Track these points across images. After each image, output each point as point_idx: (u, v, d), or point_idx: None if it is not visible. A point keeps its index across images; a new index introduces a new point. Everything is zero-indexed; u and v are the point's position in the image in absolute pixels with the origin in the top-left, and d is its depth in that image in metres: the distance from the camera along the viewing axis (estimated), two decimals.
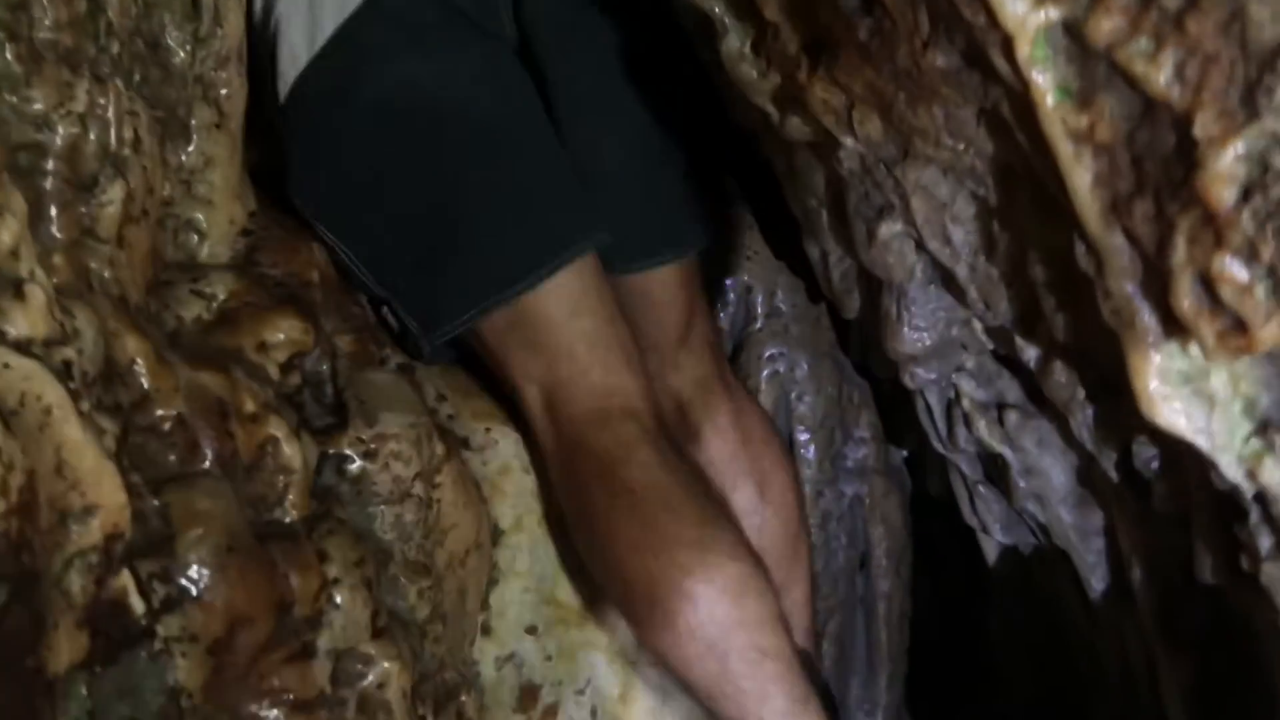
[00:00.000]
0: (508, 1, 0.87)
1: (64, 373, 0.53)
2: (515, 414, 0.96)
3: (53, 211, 0.56)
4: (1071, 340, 0.62)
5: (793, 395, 1.19)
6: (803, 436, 1.19)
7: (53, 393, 0.52)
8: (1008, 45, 0.49)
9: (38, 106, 0.54)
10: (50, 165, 0.55)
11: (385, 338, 0.91)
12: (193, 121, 0.73)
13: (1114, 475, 0.75)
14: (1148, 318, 0.50)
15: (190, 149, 0.73)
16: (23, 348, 0.50)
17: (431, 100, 0.82)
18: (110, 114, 0.58)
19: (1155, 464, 0.68)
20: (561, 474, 0.88)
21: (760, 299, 1.19)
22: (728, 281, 1.19)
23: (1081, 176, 0.50)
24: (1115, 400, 0.69)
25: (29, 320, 0.51)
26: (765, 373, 1.17)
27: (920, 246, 0.70)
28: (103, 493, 0.56)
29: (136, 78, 0.67)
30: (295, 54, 0.83)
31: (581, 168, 0.87)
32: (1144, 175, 0.47)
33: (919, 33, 0.56)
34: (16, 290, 0.50)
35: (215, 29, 0.73)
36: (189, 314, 0.69)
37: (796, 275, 1.16)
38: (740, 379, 1.10)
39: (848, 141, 0.67)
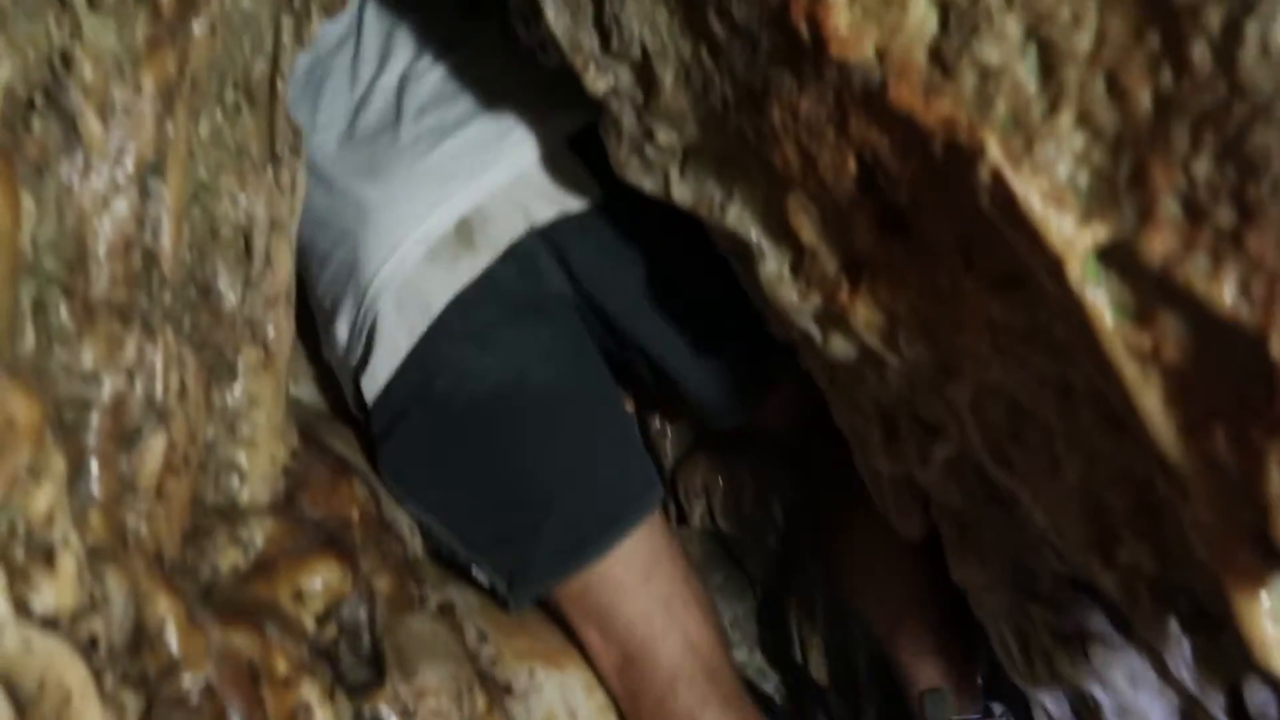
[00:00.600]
0: (558, 267, 0.95)
1: (89, 648, 0.51)
2: (560, 651, 0.92)
3: (93, 467, 0.55)
4: (1159, 572, 0.57)
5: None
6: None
7: (75, 674, 0.49)
8: (1056, 266, 0.48)
9: (87, 362, 0.55)
10: (94, 420, 0.55)
11: (425, 574, 0.89)
12: (239, 362, 0.73)
13: None
14: (1249, 553, 0.46)
15: (236, 390, 0.73)
16: (49, 623, 0.48)
17: (497, 392, 0.91)
18: (158, 365, 0.58)
19: (1273, 709, 0.61)
20: None
21: None
22: None
23: (1151, 399, 0.47)
24: (1218, 632, 0.63)
25: (57, 592, 0.48)
26: None
27: (980, 469, 0.66)
28: None
29: (187, 324, 0.68)
30: (376, 372, 0.92)
31: (656, 362, 1.00)
32: (1220, 397, 0.44)
33: (958, 255, 0.56)
34: (47, 558, 0.48)
35: (266, 272, 0.75)
36: (225, 563, 0.67)
37: None
38: None
39: (894, 361, 0.66)
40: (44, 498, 0.47)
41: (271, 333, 0.76)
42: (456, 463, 0.92)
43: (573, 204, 0.94)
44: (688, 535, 1.27)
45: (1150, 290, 0.46)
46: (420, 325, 0.90)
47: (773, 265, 0.70)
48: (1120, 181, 0.46)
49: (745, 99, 0.62)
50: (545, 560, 0.90)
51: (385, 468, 0.95)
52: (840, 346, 0.70)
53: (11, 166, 0.45)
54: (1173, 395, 0.47)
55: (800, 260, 0.68)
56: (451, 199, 0.90)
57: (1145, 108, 0.44)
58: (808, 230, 0.65)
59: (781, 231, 0.68)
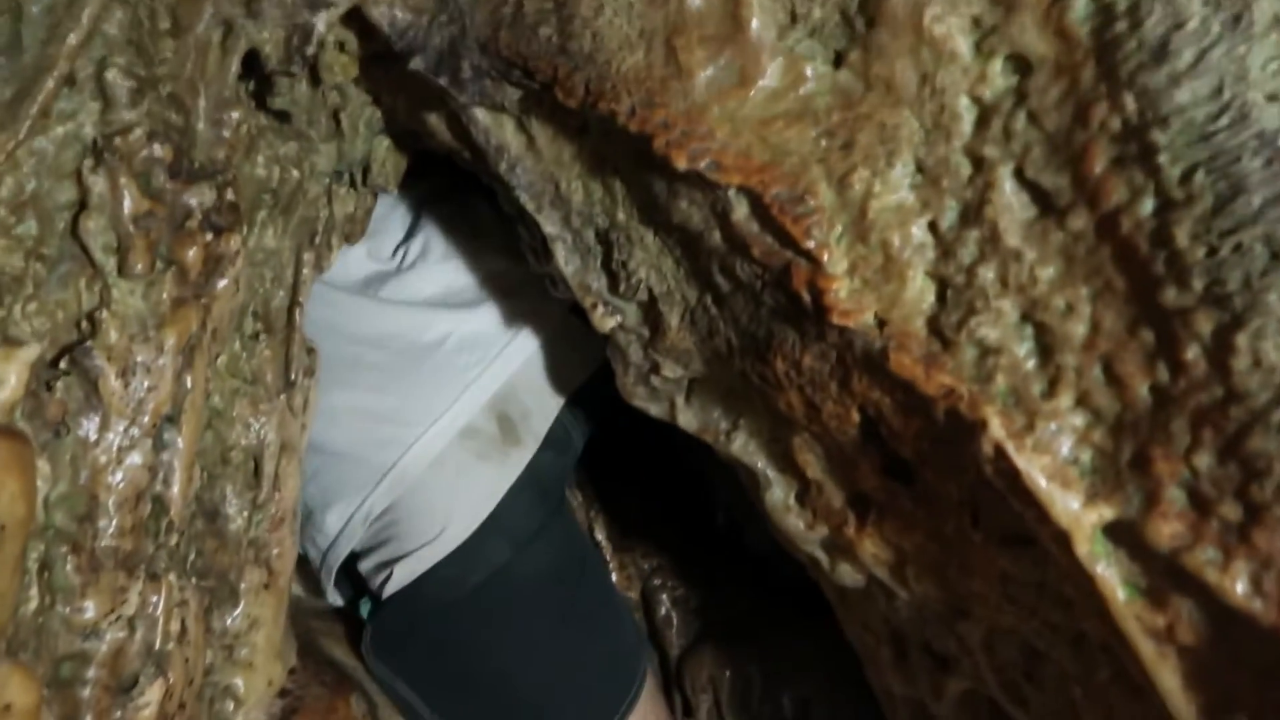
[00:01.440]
0: (580, 433, 0.99)
1: None
2: None
3: None
4: None
5: None
6: None
7: None
8: (1064, 539, 0.48)
9: (89, 614, 0.54)
10: (91, 673, 0.54)
11: None
12: (242, 585, 0.73)
13: None
14: None
15: (236, 613, 0.72)
16: None
17: (492, 578, 0.89)
18: (159, 611, 0.58)
19: None
20: None
21: None
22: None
23: (1168, 678, 0.46)
24: None
25: None
26: None
27: (998, 710, 0.65)
28: None
29: (192, 555, 0.67)
30: (414, 564, 0.90)
31: None
32: (1241, 684, 0.44)
33: (964, 509, 0.56)
34: None
35: (274, 494, 0.75)
36: None
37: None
38: None
39: (903, 594, 0.65)
40: None
41: (275, 552, 0.75)
42: (449, 655, 0.90)
43: (588, 372, 0.96)
44: None
45: (1161, 572, 0.46)
46: (472, 523, 0.89)
47: (779, 494, 0.70)
48: (1123, 465, 0.46)
49: (749, 346, 0.63)
50: None
51: (378, 653, 0.92)
52: (848, 574, 0.70)
53: (30, 449, 0.46)
54: (1191, 677, 0.46)
55: (806, 491, 0.68)
56: (470, 389, 0.91)
57: (1144, 398, 0.45)
58: (813, 467, 0.66)
59: (787, 463, 0.68)
